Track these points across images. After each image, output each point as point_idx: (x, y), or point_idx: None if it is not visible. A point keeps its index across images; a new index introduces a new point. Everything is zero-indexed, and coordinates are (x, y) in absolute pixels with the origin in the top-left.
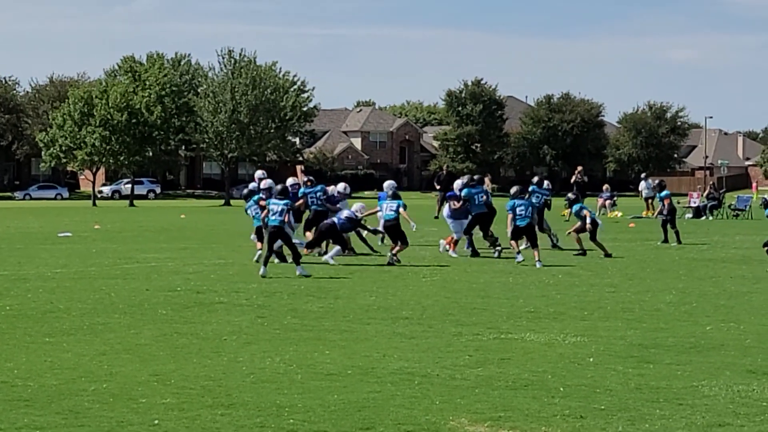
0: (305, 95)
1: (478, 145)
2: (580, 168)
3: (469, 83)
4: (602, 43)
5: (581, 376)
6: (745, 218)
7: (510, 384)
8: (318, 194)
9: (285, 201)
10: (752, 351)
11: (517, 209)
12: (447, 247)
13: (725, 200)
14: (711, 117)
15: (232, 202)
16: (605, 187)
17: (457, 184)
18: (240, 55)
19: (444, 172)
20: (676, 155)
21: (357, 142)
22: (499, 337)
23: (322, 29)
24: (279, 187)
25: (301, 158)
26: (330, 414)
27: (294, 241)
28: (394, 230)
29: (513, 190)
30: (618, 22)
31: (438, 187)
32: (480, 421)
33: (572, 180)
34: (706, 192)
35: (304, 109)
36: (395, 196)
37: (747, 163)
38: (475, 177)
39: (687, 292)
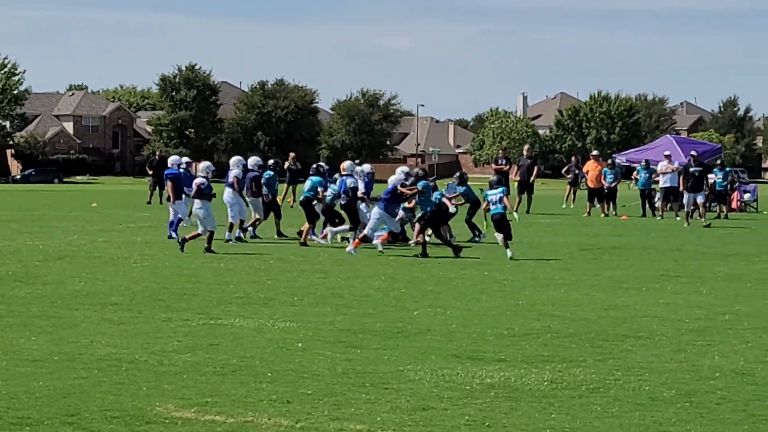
0: (16, 78)
1: (192, 130)
2: (293, 154)
3: (183, 68)
4: (317, 30)
5: (289, 361)
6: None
7: (218, 369)
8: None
9: (502, 188)
10: (457, 336)
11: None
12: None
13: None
14: (423, 105)
15: None
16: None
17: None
18: None
19: (157, 157)
20: (388, 142)
21: (69, 126)
22: (209, 322)
23: (32, 11)
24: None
25: (11, 142)
26: (35, 401)
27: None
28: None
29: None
30: (333, 9)
31: (150, 173)
32: (187, 406)
33: (285, 166)
34: None
35: (15, 92)
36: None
37: (458, 150)
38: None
39: (396, 278)
